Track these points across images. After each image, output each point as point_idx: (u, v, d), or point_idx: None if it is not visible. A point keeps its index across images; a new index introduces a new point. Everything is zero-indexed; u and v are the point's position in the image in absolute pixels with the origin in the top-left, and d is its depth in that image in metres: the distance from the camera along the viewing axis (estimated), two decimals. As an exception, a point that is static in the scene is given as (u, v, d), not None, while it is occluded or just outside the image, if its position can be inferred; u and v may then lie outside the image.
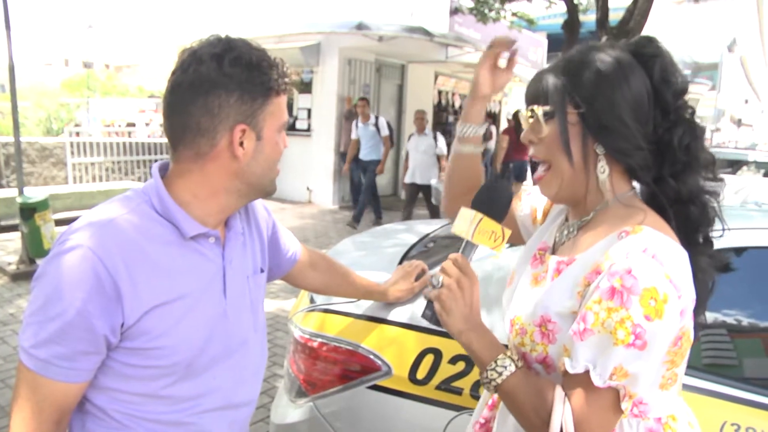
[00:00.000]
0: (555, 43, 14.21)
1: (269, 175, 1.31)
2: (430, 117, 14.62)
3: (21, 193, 6.43)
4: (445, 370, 1.89)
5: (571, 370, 1.09)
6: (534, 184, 1.31)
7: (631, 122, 1.15)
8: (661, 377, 1.14)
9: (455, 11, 11.84)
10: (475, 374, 1.81)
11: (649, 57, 1.20)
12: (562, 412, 1.09)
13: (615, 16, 8.93)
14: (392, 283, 1.98)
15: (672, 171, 1.19)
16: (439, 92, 15.70)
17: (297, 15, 12.03)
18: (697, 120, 1.22)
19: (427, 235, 2.96)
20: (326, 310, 2.14)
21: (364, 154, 10.10)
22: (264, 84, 1.22)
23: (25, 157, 11.46)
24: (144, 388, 1.24)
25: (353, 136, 10.25)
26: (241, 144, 1.23)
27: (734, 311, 1.91)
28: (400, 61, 13.41)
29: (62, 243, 1.16)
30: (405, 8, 11.35)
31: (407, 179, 9.72)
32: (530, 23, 12.68)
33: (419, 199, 9.82)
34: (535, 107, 1.22)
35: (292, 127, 12.83)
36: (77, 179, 11.45)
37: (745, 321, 1.93)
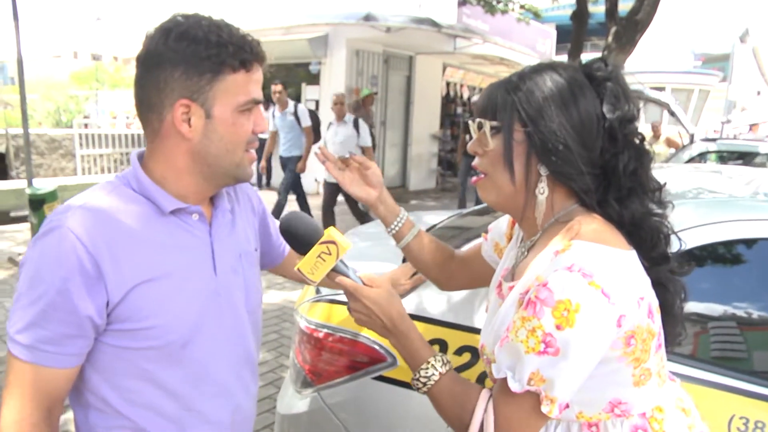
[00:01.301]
0: (564, 34, 14.12)
1: (230, 158, 1.25)
2: (437, 108, 14.56)
3: (30, 184, 6.44)
4: (451, 361, 1.86)
5: (495, 375, 1.12)
6: (473, 183, 1.30)
7: (576, 146, 1.15)
8: (631, 376, 1.14)
9: (463, 2, 11.76)
10: (481, 365, 1.79)
11: (601, 80, 1.18)
12: (482, 415, 1.14)
13: (624, 6, 8.83)
14: (384, 280, 1.93)
15: (616, 196, 1.18)
16: (447, 84, 15.67)
17: (304, 6, 11.97)
18: (646, 146, 1.21)
19: (435, 225, 2.94)
20: (332, 301, 2.13)
21: (284, 150, 8.39)
22: (212, 59, 1.17)
23: (34, 149, 11.51)
24: (142, 372, 1.22)
25: (270, 127, 8.46)
26: (189, 121, 1.20)
27: (744, 303, 1.89)
28: (408, 53, 13.36)
29: (43, 227, 1.16)
30: (413, 0, 11.29)
31: (326, 177, 7.84)
32: (536, 16, 12.62)
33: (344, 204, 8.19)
34: (483, 121, 1.22)
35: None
36: (86, 171, 11.50)
37: (756, 313, 1.91)
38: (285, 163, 8.40)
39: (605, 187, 1.18)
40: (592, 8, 10.03)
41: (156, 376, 1.23)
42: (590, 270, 1.03)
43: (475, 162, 1.27)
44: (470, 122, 1.28)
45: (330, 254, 1.24)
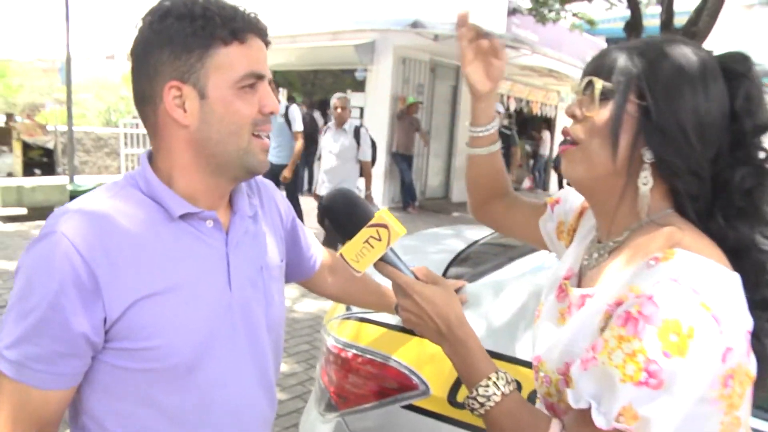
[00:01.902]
0: (615, 48, 13.77)
1: (235, 143, 1.10)
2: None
3: (71, 180, 6.50)
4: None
5: (573, 404, 0.92)
6: (560, 152, 1.11)
7: (695, 138, 0.96)
8: (719, 423, 0.92)
9: (513, 12, 11.57)
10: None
11: (738, 76, 0.99)
12: None
13: (679, 20, 8.51)
14: None
15: (724, 213, 0.99)
16: (494, 95, 15.40)
17: (352, 11, 11.94)
18: None
19: (477, 241, 2.76)
20: (362, 319, 1.99)
21: (273, 156, 7.00)
22: (198, 33, 1.05)
23: (81, 146, 11.74)
24: (143, 397, 1.09)
25: None
26: (184, 106, 1.08)
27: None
28: (455, 62, 13.16)
29: (41, 231, 1.04)
30: (461, 8, 11.16)
31: (318, 190, 6.89)
32: (591, 24, 12.31)
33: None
34: (595, 79, 1.02)
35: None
36: (129, 169, 11.71)
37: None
38: (274, 171, 6.95)
39: (710, 200, 0.99)
40: (645, 21, 9.72)
41: (159, 401, 1.10)
42: (699, 287, 0.85)
43: (569, 127, 1.08)
44: (572, 85, 1.10)
45: (380, 240, 1.05)
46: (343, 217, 1.13)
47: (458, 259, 2.51)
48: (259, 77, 1.11)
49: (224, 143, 1.10)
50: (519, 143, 16.25)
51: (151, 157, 1.17)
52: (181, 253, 1.10)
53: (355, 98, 12.57)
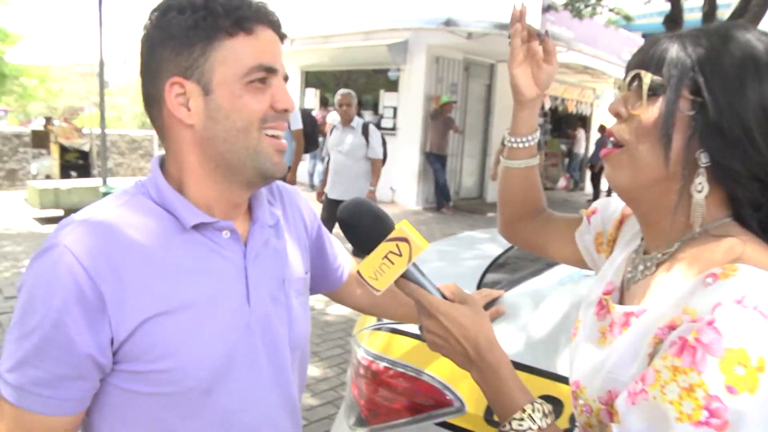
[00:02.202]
0: (653, 43, 13.45)
1: (243, 141, 1.01)
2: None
3: (104, 183, 6.54)
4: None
5: None
6: (602, 156, 0.98)
7: (760, 138, 0.83)
8: None
9: (548, 8, 11.37)
10: (564, 420, 1.51)
11: None
12: None
13: (722, 14, 8.22)
14: None
15: None
16: (529, 92, 15.18)
17: (384, 11, 11.88)
18: None
19: (512, 247, 2.65)
20: (393, 330, 1.91)
21: None
22: (200, 25, 0.97)
23: (115, 148, 11.88)
24: (156, 422, 1.00)
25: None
26: (188, 105, 1.00)
27: None
28: (489, 60, 13.05)
29: (45, 243, 0.97)
30: (495, 4, 10.97)
31: (329, 192, 6.33)
32: (627, 20, 12.01)
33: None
34: (643, 72, 0.90)
35: (377, 126, 12.73)
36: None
37: None
38: None
39: None
40: (686, 15, 9.42)
41: (173, 427, 1.01)
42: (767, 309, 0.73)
43: (613, 127, 0.95)
44: (615, 80, 0.98)
45: (400, 255, 0.94)
46: (359, 231, 1.02)
47: (495, 265, 2.41)
48: (270, 70, 1.02)
49: (232, 141, 1.01)
50: (551, 141, 16.03)
51: (163, 163, 1.10)
52: (195, 267, 1.02)
53: (388, 98, 12.55)
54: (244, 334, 1.06)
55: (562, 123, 17.33)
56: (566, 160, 17.29)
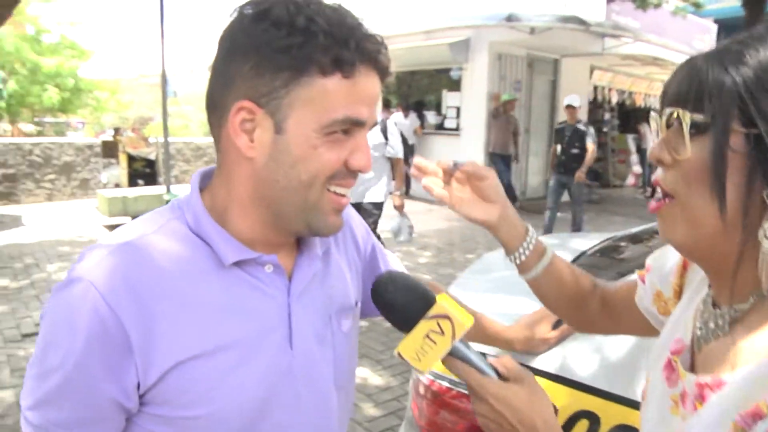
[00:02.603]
0: (727, 29, 12.82)
1: (303, 195, 0.89)
2: (584, 114, 13.79)
3: (168, 190, 6.64)
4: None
5: None
6: (652, 211, 0.84)
7: None
8: None
9: (611, -1, 10.98)
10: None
11: None
12: None
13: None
14: (520, 328, 1.51)
15: None
16: (595, 87, 14.78)
17: (445, 9, 11.74)
18: None
19: (584, 252, 2.47)
20: (455, 347, 1.76)
21: None
22: (293, 51, 0.82)
23: (181, 156, 12.11)
24: None
25: None
26: (253, 134, 0.87)
27: None
28: (553, 55, 12.73)
29: (69, 273, 0.87)
30: (559, -2, 10.70)
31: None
32: (696, 7, 11.47)
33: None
34: (680, 111, 0.75)
35: (440, 126, 12.60)
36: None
37: None
38: None
39: None
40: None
41: None
42: None
43: (659, 176, 0.81)
44: (652, 114, 0.83)
45: (443, 334, 0.86)
46: (395, 309, 0.92)
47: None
48: (359, 124, 0.88)
49: (291, 191, 0.89)
50: (619, 136, 15.51)
51: (207, 177, 0.99)
52: (233, 306, 0.91)
53: (450, 98, 12.41)
54: (284, 377, 0.95)
55: (630, 117, 16.76)
56: (633, 156, 16.71)
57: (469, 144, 11.97)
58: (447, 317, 0.86)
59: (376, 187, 5.64)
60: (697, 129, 0.74)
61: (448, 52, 11.63)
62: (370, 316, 1.29)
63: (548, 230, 8.90)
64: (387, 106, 13.05)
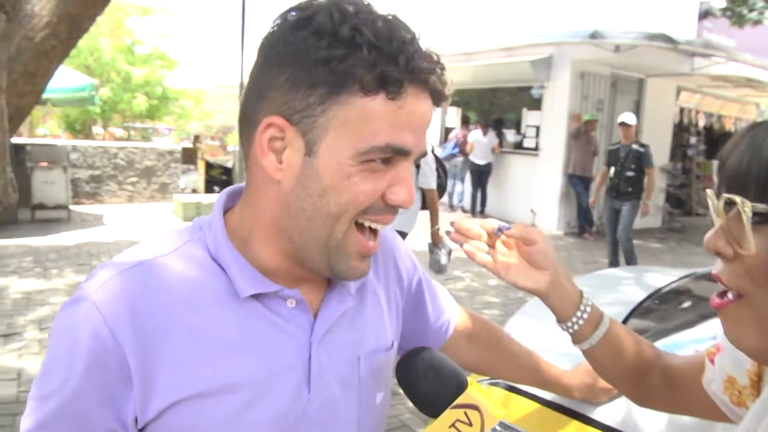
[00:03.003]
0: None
1: (327, 228, 0.78)
2: (668, 137, 13.25)
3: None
4: None
5: None
6: (715, 307, 0.73)
7: None
8: None
9: (705, 15, 10.49)
10: None
11: None
12: None
13: None
14: (581, 374, 1.33)
15: None
16: (681, 110, 14.18)
17: (527, 26, 11.53)
18: None
19: (660, 289, 2.26)
20: (511, 388, 1.65)
21: None
22: (333, 64, 0.71)
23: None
24: None
25: None
26: (283, 154, 0.77)
27: None
28: (638, 75, 12.29)
29: (78, 289, 0.80)
30: (644, 14, 10.28)
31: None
32: (802, 25, 10.83)
33: None
34: (740, 200, 0.65)
35: (519, 145, 12.36)
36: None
37: None
38: None
39: None
40: None
41: None
42: None
43: (719, 270, 0.70)
44: (709, 194, 0.72)
45: (471, 425, 0.79)
46: (420, 390, 0.85)
47: (639, 311, 2.06)
48: (402, 153, 0.78)
49: (316, 224, 0.79)
50: (705, 163, 14.84)
51: (235, 196, 0.90)
52: (245, 341, 0.82)
53: (531, 117, 12.18)
54: (297, 424, 0.85)
55: (718, 142, 15.99)
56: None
57: (548, 165, 11.68)
58: (476, 408, 0.80)
59: (404, 217, 4.88)
60: (762, 218, 0.64)
61: (530, 69, 11.40)
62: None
63: (613, 264, 8.28)
64: (466, 123, 12.91)
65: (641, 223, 12.63)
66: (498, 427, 1.58)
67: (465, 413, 0.80)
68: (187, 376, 0.78)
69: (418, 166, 4.91)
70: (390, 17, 0.76)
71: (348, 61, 0.72)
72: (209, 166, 11.98)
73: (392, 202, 0.79)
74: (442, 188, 5.37)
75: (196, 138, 13.26)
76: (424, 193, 5.17)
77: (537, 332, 1.92)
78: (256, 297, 0.83)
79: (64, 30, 2.75)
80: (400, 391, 0.86)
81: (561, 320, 1.02)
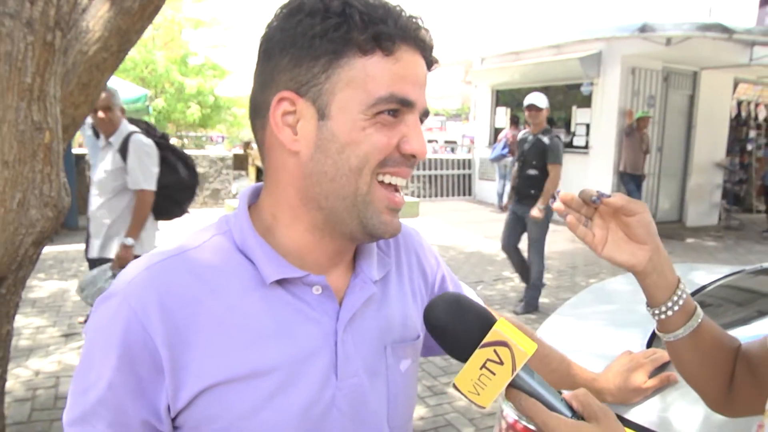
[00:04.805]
0: None
1: (353, 183, 0.82)
2: (725, 132, 12.86)
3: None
4: None
5: None
6: None
7: None
8: None
9: (766, 1, 10.11)
10: None
11: None
12: None
13: None
14: (613, 376, 1.31)
15: None
16: (739, 103, 13.71)
17: (575, 22, 11.36)
18: None
19: (706, 286, 2.19)
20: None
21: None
22: (330, 34, 0.78)
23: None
24: None
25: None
26: (296, 126, 0.82)
27: None
28: (691, 68, 11.95)
29: (110, 286, 0.85)
30: (700, 5, 9.98)
31: None
32: None
33: None
34: None
35: (569, 144, 12.21)
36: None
37: None
38: None
39: None
40: None
41: None
42: None
43: None
44: None
45: (502, 363, 0.75)
46: (448, 334, 0.82)
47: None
48: (406, 104, 0.83)
49: (340, 182, 0.83)
50: (765, 158, 14.33)
51: (257, 193, 0.94)
52: (272, 328, 0.84)
53: (580, 114, 12.01)
54: (326, 411, 0.87)
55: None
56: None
57: (599, 163, 11.49)
58: (505, 344, 0.75)
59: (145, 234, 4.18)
60: None
61: (579, 66, 11.24)
62: (440, 354, 1.18)
63: (525, 280, 6.46)
64: (515, 123, 12.80)
65: (698, 220, 12.30)
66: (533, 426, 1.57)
67: (495, 351, 0.77)
68: (216, 363, 0.81)
69: (125, 156, 3.98)
70: None
71: (343, 28, 0.79)
72: (260, 171, 12.17)
73: (406, 151, 0.83)
74: (181, 183, 4.30)
75: (247, 144, 13.46)
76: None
77: (572, 333, 1.90)
78: (282, 285, 0.85)
79: (114, 43, 2.85)
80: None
81: (653, 304, 0.98)
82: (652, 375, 1.31)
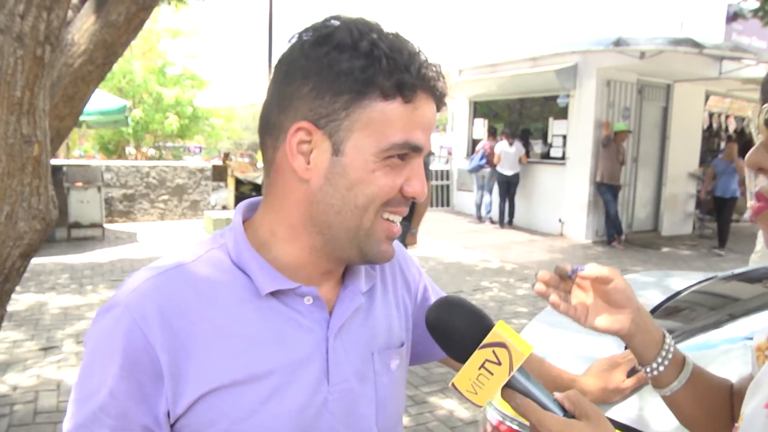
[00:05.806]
0: None
1: (357, 219, 0.87)
2: (698, 144, 13.12)
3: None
4: None
5: None
6: (750, 218, 0.78)
7: None
8: None
9: (734, 17, 10.37)
10: None
11: None
12: None
13: None
14: (593, 377, 1.36)
15: None
16: (710, 115, 14.01)
17: (552, 35, 11.54)
18: None
19: (680, 292, 2.28)
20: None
21: None
22: (355, 74, 0.82)
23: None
24: None
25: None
26: (310, 156, 0.86)
27: None
28: (665, 81, 12.19)
29: (111, 298, 0.88)
30: (672, 20, 10.21)
31: None
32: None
33: None
34: None
35: (546, 155, 12.35)
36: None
37: None
38: None
39: None
40: None
41: None
42: None
43: (761, 187, 0.78)
44: (750, 114, 0.79)
45: (500, 364, 0.80)
46: (449, 335, 0.87)
47: (662, 310, 2.08)
48: (416, 150, 0.88)
49: (345, 216, 0.88)
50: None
51: (251, 208, 0.99)
52: (266, 336, 0.89)
53: (557, 126, 12.15)
54: (318, 415, 0.91)
55: (750, 147, 15.74)
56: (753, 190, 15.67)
57: (575, 173, 11.62)
58: (504, 345, 0.80)
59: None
60: None
61: (555, 78, 11.37)
62: (426, 361, 1.23)
63: None
64: (493, 134, 12.93)
65: (673, 229, 12.50)
66: (516, 425, 1.62)
67: (493, 352, 0.81)
68: (214, 369, 0.85)
69: None
70: (397, 33, 0.87)
71: (369, 71, 0.82)
72: (239, 182, 12.15)
73: (408, 194, 0.89)
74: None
75: (226, 156, 13.47)
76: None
77: (551, 337, 1.96)
78: (275, 296, 0.90)
79: (99, 56, 2.88)
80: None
81: (643, 363, 0.99)
82: (629, 375, 1.37)
